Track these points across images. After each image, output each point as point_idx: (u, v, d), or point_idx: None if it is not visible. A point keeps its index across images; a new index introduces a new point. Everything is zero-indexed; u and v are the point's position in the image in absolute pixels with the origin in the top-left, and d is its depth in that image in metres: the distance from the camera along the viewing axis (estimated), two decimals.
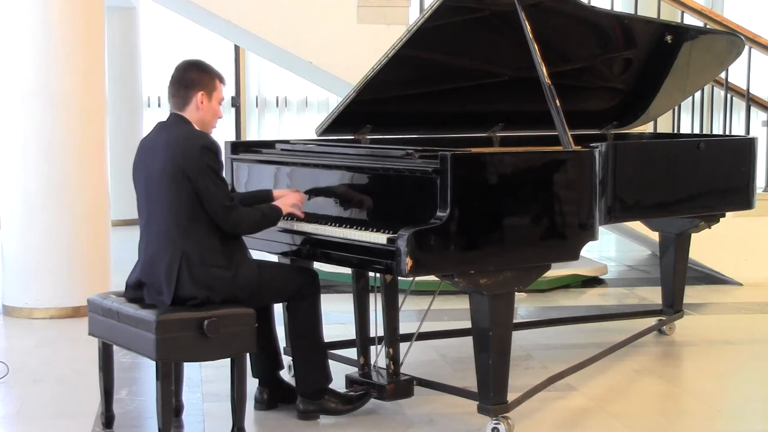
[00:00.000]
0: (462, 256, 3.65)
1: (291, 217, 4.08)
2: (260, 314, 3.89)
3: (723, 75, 6.93)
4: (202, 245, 3.76)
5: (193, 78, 3.87)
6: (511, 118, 5.12)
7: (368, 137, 4.68)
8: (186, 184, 3.73)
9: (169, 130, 3.85)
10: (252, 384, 4.06)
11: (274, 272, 4.06)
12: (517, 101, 4.92)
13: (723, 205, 5.23)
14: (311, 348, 4.06)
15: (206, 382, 4.60)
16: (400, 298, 4.31)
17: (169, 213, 3.76)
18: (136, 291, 3.86)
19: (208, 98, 3.88)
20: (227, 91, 4.03)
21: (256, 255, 4.08)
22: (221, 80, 3.95)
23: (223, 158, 3.91)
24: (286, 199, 4.02)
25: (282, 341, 4.58)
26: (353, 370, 4.36)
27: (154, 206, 3.82)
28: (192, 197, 3.74)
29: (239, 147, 4.64)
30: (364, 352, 4.37)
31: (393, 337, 4.24)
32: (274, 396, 4.24)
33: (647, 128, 6.48)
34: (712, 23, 6.98)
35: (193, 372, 4.62)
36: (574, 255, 3.95)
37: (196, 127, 3.86)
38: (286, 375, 4.58)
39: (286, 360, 4.59)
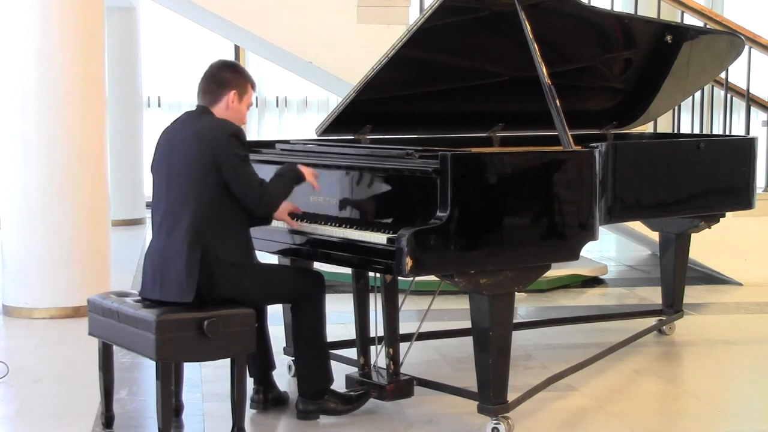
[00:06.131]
0: (462, 256, 3.65)
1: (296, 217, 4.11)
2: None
3: (723, 75, 6.93)
4: (221, 240, 3.75)
5: (227, 77, 3.92)
6: (511, 118, 5.11)
7: (368, 137, 4.68)
8: (212, 175, 3.73)
9: (195, 121, 3.87)
10: (251, 384, 4.06)
11: (280, 273, 4.07)
12: (517, 101, 4.92)
13: (723, 205, 5.23)
14: (313, 348, 4.05)
15: (206, 382, 4.60)
16: (400, 298, 4.31)
17: (194, 206, 3.73)
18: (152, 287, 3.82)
19: (239, 99, 3.93)
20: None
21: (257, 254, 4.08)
22: (253, 86, 4.01)
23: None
24: (305, 168, 4.02)
25: (282, 341, 4.59)
26: (353, 370, 4.36)
27: (176, 197, 3.79)
28: (218, 189, 3.74)
29: None
30: (364, 352, 4.36)
31: (393, 337, 4.24)
32: (268, 396, 4.23)
33: (647, 128, 6.48)
34: (712, 23, 6.98)
35: (193, 372, 4.61)
36: (574, 255, 3.95)
37: None
38: (286, 375, 4.59)
39: (287, 360, 4.60)
